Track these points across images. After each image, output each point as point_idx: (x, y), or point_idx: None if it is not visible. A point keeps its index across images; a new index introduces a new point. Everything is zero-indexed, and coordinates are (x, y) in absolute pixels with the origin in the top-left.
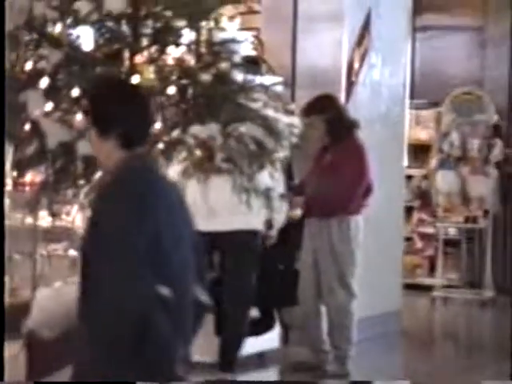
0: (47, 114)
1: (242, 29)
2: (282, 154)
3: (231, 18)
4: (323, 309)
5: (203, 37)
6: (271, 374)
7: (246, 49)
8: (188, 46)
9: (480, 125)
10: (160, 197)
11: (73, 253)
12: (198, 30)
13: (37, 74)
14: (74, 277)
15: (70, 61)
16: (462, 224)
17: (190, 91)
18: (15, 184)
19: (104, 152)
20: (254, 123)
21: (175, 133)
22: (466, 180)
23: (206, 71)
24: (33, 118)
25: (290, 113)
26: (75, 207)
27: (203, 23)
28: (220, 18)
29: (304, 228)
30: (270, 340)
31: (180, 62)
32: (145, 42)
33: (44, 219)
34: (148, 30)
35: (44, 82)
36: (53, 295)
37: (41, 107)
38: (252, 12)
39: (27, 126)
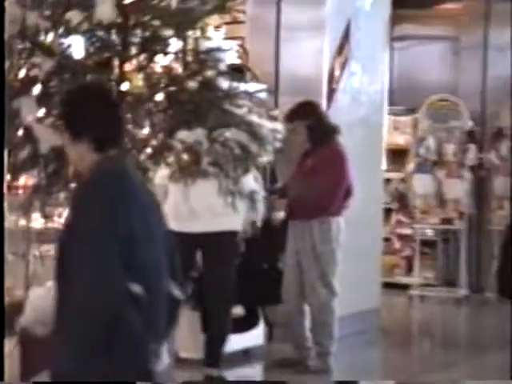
0: (40, 120)
1: (228, 38)
2: (265, 158)
3: (217, 27)
4: (306, 307)
5: (190, 46)
6: (256, 369)
7: (231, 57)
8: (175, 54)
9: (455, 130)
10: (132, 198)
11: None
12: (185, 39)
13: (30, 82)
14: None
15: (62, 69)
16: (438, 225)
17: (178, 98)
18: (9, 187)
19: (77, 155)
20: (238, 128)
21: (163, 138)
22: (441, 183)
23: (192, 79)
24: (26, 123)
25: (273, 119)
26: (67, 209)
27: (190, 32)
28: (206, 27)
29: (288, 229)
30: (254, 337)
31: (168, 69)
32: (134, 50)
33: (37, 221)
34: (137, 39)
35: (37, 89)
36: (45, 294)
37: (34, 113)
38: (237, 22)
39: (20, 132)
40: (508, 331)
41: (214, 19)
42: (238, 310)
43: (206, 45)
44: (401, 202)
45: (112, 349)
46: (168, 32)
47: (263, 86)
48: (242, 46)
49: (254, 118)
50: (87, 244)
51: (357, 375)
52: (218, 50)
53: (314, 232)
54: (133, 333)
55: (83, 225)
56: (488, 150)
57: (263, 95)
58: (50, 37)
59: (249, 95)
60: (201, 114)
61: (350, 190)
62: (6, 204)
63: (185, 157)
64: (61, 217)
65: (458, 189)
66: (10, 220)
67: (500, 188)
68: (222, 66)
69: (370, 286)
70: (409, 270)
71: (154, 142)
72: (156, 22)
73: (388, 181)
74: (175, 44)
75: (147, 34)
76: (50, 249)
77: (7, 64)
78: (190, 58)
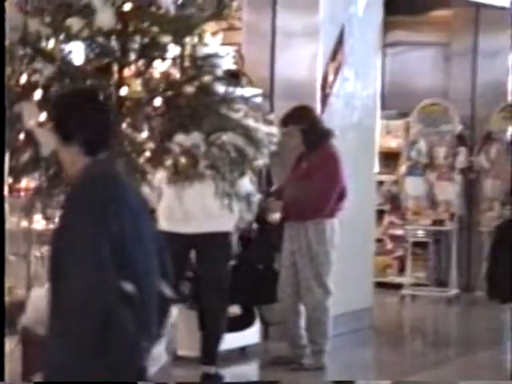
0: (41, 124)
1: (224, 44)
2: (261, 161)
3: (214, 34)
4: (301, 306)
5: (187, 51)
6: (252, 367)
7: (227, 63)
8: (173, 60)
9: (446, 134)
10: (122, 199)
11: None
12: (182, 45)
13: (31, 87)
14: None
15: (63, 74)
16: (429, 226)
17: (175, 102)
18: (11, 189)
19: (68, 158)
20: (235, 132)
21: (161, 141)
22: (433, 185)
23: (190, 84)
24: (27, 127)
25: (268, 123)
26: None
27: (187, 39)
28: (203, 34)
29: (283, 231)
30: (251, 335)
31: (166, 75)
32: (133, 56)
33: (38, 223)
34: (136, 45)
35: (38, 94)
36: (46, 294)
37: (35, 118)
38: (233, 28)
39: (22, 136)
40: (497, 329)
41: (211, 26)
42: (234, 309)
43: (203, 51)
44: (393, 203)
45: (105, 347)
46: (166, 38)
47: (259, 91)
48: (238, 51)
49: (250, 122)
50: (80, 245)
51: (351, 373)
52: (215, 55)
53: (309, 233)
54: (126, 331)
55: (76, 226)
56: (478, 153)
57: (259, 100)
58: (51, 43)
59: (245, 100)
60: (198, 118)
61: (343, 192)
62: (6, 206)
63: (183, 160)
64: None
65: (449, 191)
66: (11, 221)
67: (489, 190)
68: (219, 72)
69: (363, 285)
70: (401, 270)
71: (152, 146)
72: (154, 29)
73: (381, 183)
74: (173, 50)
75: (146, 40)
76: None
77: (9, 70)
78: (187, 64)
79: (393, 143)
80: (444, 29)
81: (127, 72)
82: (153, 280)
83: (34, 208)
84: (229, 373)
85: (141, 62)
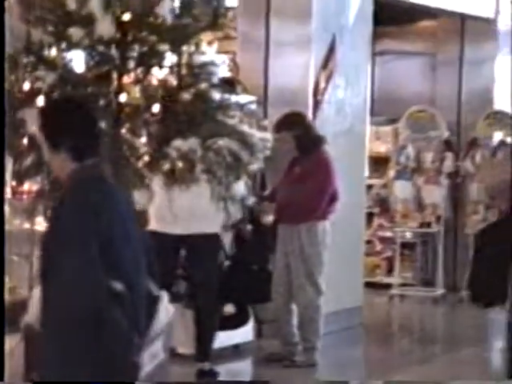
0: None
1: (220, 53)
2: (256, 165)
3: (210, 42)
4: (293, 305)
5: (184, 60)
6: (246, 363)
7: (223, 71)
8: (171, 68)
9: (433, 140)
10: (110, 202)
11: None
12: (179, 53)
13: (34, 94)
14: None
15: (64, 81)
16: (417, 228)
17: (173, 109)
18: (14, 193)
19: (57, 164)
20: (230, 138)
21: (159, 146)
22: (420, 189)
23: (186, 91)
24: (30, 133)
25: (262, 128)
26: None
27: (184, 47)
28: (200, 42)
29: (277, 233)
30: (245, 333)
31: (163, 82)
32: (132, 64)
33: (40, 224)
34: (135, 54)
35: (40, 101)
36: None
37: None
38: (229, 38)
39: (25, 141)
40: (481, 328)
41: (207, 35)
42: (229, 308)
43: (199, 59)
44: (382, 206)
45: (98, 344)
46: (164, 47)
47: (253, 98)
48: (233, 60)
49: (245, 128)
50: (70, 246)
51: (341, 369)
52: (211, 64)
53: (301, 235)
54: (117, 328)
55: (66, 228)
56: (464, 159)
57: (253, 106)
58: (53, 52)
59: (240, 106)
60: (195, 123)
61: (335, 195)
62: (6, 207)
63: (180, 164)
64: None
65: (436, 194)
66: (14, 223)
67: (475, 194)
68: (215, 79)
69: (354, 285)
70: (389, 270)
71: (150, 150)
72: (152, 38)
73: (370, 187)
74: (170, 58)
75: (144, 48)
76: None
77: (13, 77)
78: (184, 72)
79: (382, 148)
80: (431, 39)
81: (126, 79)
82: (141, 279)
83: (36, 210)
84: (223, 369)
85: (139, 70)
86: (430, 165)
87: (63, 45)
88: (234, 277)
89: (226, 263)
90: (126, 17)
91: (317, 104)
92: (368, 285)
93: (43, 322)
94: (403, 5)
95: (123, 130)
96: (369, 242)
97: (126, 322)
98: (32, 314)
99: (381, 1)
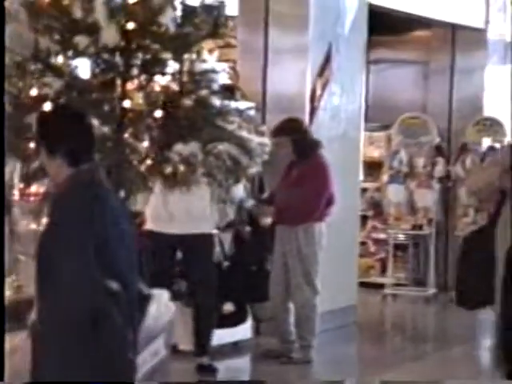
0: None
1: (220, 60)
2: (254, 169)
3: (211, 51)
4: (290, 304)
5: (186, 67)
6: (245, 360)
7: (223, 78)
8: (173, 75)
9: (424, 145)
10: (105, 206)
11: None
12: (181, 61)
13: (41, 99)
14: None
15: (70, 88)
16: (409, 231)
17: (175, 114)
18: (22, 194)
19: (53, 169)
20: (230, 142)
21: (161, 150)
22: (413, 193)
23: (188, 97)
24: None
25: (261, 134)
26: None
27: (186, 55)
28: (201, 51)
29: (275, 234)
30: (243, 331)
31: (166, 88)
32: (135, 71)
33: None
34: (138, 61)
35: (47, 107)
36: None
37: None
38: (229, 46)
39: (32, 145)
40: (471, 326)
41: (208, 43)
42: (228, 307)
43: (200, 66)
44: (376, 209)
45: (96, 342)
46: (166, 55)
47: (252, 104)
48: (233, 67)
49: (244, 133)
50: (68, 248)
51: (336, 366)
52: (212, 71)
53: (299, 236)
54: (113, 325)
55: (63, 231)
56: (454, 163)
57: (252, 112)
58: (60, 59)
59: (239, 112)
60: (196, 129)
61: (331, 198)
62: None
63: (181, 167)
64: None
65: (428, 198)
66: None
67: (465, 197)
68: (215, 86)
69: (348, 285)
70: (383, 271)
71: (153, 154)
72: (155, 46)
73: (364, 190)
74: (173, 66)
75: (147, 56)
76: None
77: (21, 84)
78: (186, 79)
79: (376, 153)
80: (423, 48)
81: (130, 86)
82: (134, 278)
83: (43, 212)
84: (223, 365)
85: (143, 77)
86: (422, 169)
87: (69, 52)
88: (233, 276)
89: (226, 263)
90: (130, 26)
91: (313, 110)
92: (362, 285)
93: (42, 321)
94: (397, 15)
95: (126, 135)
96: (363, 243)
97: (121, 319)
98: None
99: (376, 11)
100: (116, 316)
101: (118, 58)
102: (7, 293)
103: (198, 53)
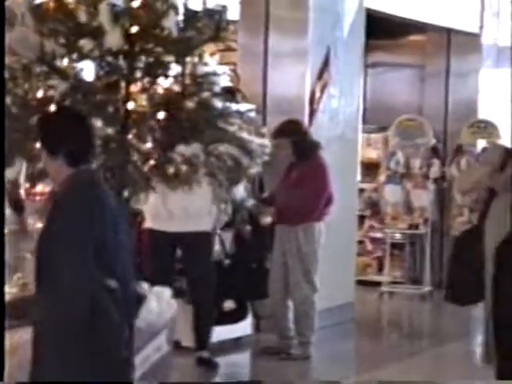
0: None
1: (221, 63)
2: (255, 170)
3: (212, 54)
4: (289, 301)
5: (188, 70)
6: (245, 356)
7: (224, 80)
8: (175, 77)
9: (421, 147)
10: (103, 204)
11: None
12: (183, 64)
13: (47, 101)
14: None
15: (75, 90)
16: (405, 230)
17: (177, 116)
18: (28, 194)
19: (54, 169)
20: (231, 144)
21: (164, 151)
22: (409, 193)
23: (190, 99)
24: None
25: (261, 135)
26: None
27: (188, 58)
28: (203, 54)
29: (274, 233)
30: (244, 327)
31: (168, 91)
32: (139, 74)
33: None
34: (141, 64)
35: (52, 108)
36: None
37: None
38: (230, 49)
39: (38, 145)
40: (465, 323)
41: (210, 47)
42: (229, 304)
43: (202, 69)
44: (373, 209)
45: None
46: (169, 58)
47: (252, 106)
48: (233, 70)
49: (245, 135)
50: (69, 248)
51: (334, 362)
52: (213, 74)
53: (299, 235)
54: (111, 322)
55: (64, 231)
56: (449, 165)
57: (252, 114)
58: (65, 62)
59: (240, 114)
60: (197, 130)
61: (330, 198)
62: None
63: (183, 168)
64: None
65: (424, 198)
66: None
67: (460, 198)
68: (217, 89)
69: (346, 283)
70: (380, 269)
71: (156, 155)
72: (158, 49)
73: (362, 190)
74: (175, 68)
75: (151, 59)
76: None
77: (27, 86)
78: (188, 81)
79: (373, 154)
80: (420, 52)
81: (133, 88)
82: (130, 276)
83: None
84: (224, 361)
85: (146, 79)
86: (418, 170)
87: (74, 55)
88: (233, 274)
89: (227, 262)
90: (134, 29)
91: (312, 112)
92: (359, 282)
93: (42, 319)
94: (394, 19)
95: (130, 136)
96: (360, 242)
97: (118, 316)
98: None
99: (373, 15)
100: (113, 313)
101: (121, 61)
102: (13, 290)
103: (200, 56)
